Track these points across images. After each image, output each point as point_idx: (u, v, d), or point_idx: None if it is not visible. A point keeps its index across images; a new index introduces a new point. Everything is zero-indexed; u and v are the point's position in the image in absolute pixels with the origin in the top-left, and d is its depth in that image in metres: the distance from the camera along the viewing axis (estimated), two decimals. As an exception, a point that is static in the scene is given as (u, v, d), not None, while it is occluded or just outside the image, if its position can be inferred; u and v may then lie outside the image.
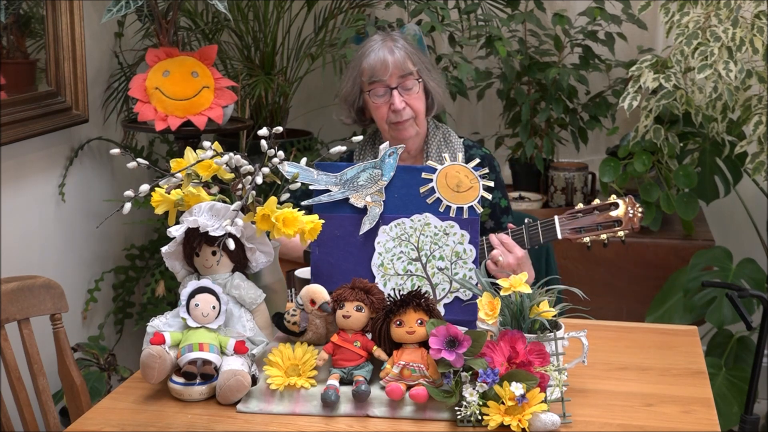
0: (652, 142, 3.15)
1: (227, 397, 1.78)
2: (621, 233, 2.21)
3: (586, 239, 2.21)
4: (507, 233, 2.26)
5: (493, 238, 2.25)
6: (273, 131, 1.92)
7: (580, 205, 2.26)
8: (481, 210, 2.03)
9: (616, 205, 2.22)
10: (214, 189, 1.95)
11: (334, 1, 3.62)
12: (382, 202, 2.03)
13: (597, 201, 2.26)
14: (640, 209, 2.21)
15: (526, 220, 2.28)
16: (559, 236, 2.23)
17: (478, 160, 2.09)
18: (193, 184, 1.92)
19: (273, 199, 1.84)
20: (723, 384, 2.97)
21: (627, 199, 2.23)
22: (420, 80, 2.41)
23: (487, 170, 2.05)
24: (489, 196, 2.04)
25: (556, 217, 2.24)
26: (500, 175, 2.54)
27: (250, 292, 1.91)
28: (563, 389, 1.72)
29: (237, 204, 1.84)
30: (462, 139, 2.52)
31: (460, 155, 2.08)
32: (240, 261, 1.92)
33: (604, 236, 2.21)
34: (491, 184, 2.05)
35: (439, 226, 2.01)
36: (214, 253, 1.88)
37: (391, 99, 2.38)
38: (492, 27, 3.35)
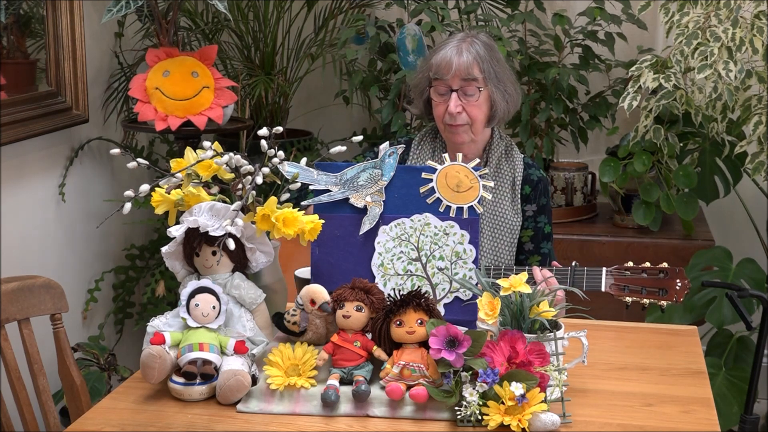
0: (652, 142, 3.15)
1: (227, 397, 1.78)
2: (663, 303, 2.14)
3: (628, 299, 2.18)
4: (551, 270, 2.24)
5: (537, 273, 2.19)
6: (273, 131, 1.92)
7: (630, 263, 2.20)
8: (481, 210, 2.03)
9: (666, 273, 2.18)
10: (214, 189, 1.95)
11: (334, 1, 3.62)
12: (382, 202, 2.03)
13: (647, 264, 2.20)
14: (688, 284, 2.15)
15: (573, 263, 2.25)
16: (603, 288, 2.17)
17: (477, 160, 2.09)
18: (193, 184, 1.92)
19: (273, 199, 1.84)
20: (723, 384, 2.97)
21: (678, 270, 2.18)
22: (483, 89, 2.35)
23: (486, 170, 2.05)
24: (489, 197, 2.04)
25: (604, 269, 2.18)
26: (550, 200, 2.51)
27: (250, 292, 1.91)
28: (563, 389, 1.72)
29: (237, 204, 1.84)
30: (522, 156, 2.50)
31: (460, 155, 2.08)
32: (240, 261, 1.92)
33: (646, 301, 2.17)
34: (491, 184, 2.05)
35: (439, 226, 2.02)
36: (214, 253, 1.88)
37: (449, 100, 2.35)
38: (492, 27, 3.35)
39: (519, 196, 2.44)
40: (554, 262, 2.32)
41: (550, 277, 2.17)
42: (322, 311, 1.86)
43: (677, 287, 2.13)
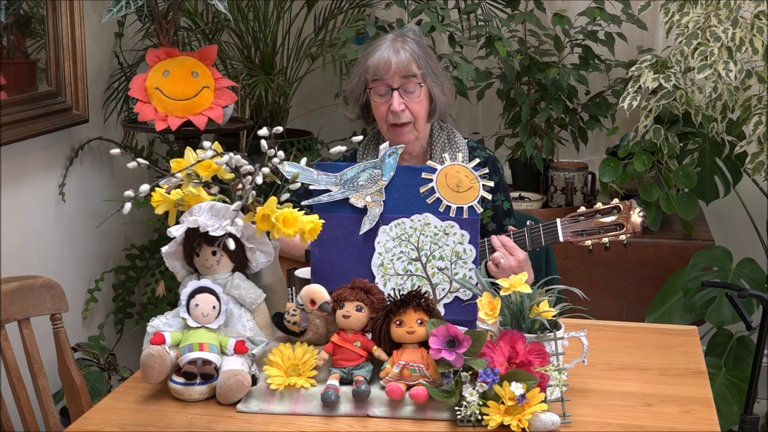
0: (652, 142, 3.15)
1: (227, 397, 1.78)
2: (623, 237, 2.19)
3: (588, 243, 2.21)
4: (509, 235, 2.26)
5: (495, 240, 2.24)
6: (273, 131, 1.92)
7: (583, 208, 2.24)
8: (481, 210, 2.03)
9: (618, 209, 2.21)
10: (214, 189, 1.95)
11: (334, 1, 3.62)
12: (382, 202, 2.03)
13: (599, 204, 2.25)
14: (641, 213, 2.20)
15: (528, 223, 2.27)
16: (561, 239, 2.22)
17: (478, 160, 2.09)
18: (193, 184, 1.92)
19: (273, 199, 1.84)
20: (723, 384, 2.97)
21: (629, 203, 2.22)
22: (423, 84, 2.38)
23: (487, 170, 2.05)
24: (489, 197, 2.04)
25: (558, 220, 2.23)
26: (503, 177, 2.53)
27: (250, 292, 1.91)
28: (563, 389, 1.72)
29: (237, 204, 1.84)
30: (465, 140, 2.51)
31: (460, 155, 2.09)
32: (240, 261, 1.92)
33: (606, 240, 2.20)
34: (491, 184, 2.05)
35: (439, 226, 2.02)
36: (214, 253, 1.88)
37: (390, 99, 2.37)
38: (492, 27, 3.35)
39: None
40: (510, 227, 2.33)
41: (513, 244, 2.20)
42: (322, 311, 1.86)
43: (632, 219, 2.17)
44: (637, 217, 2.19)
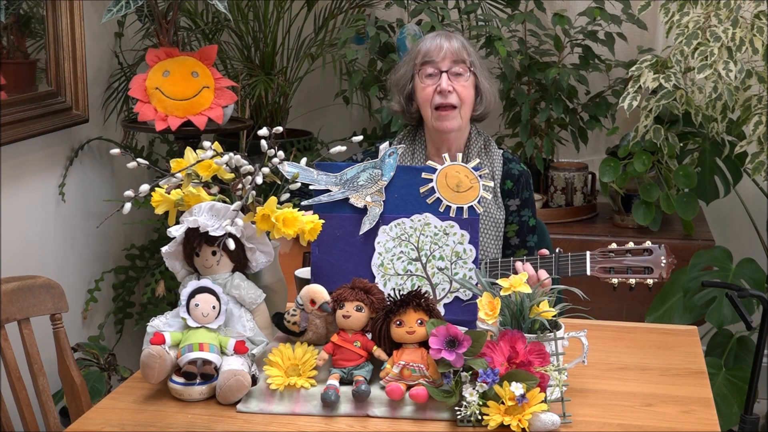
0: (652, 142, 3.15)
1: (227, 397, 1.78)
2: (650, 281, 2.15)
3: (615, 281, 2.17)
4: (535, 261, 2.24)
5: (520, 267, 2.21)
6: (273, 131, 1.92)
7: (614, 245, 2.20)
8: (481, 210, 2.03)
9: (650, 252, 2.16)
10: (214, 189, 1.95)
11: (334, 1, 3.62)
12: (382, 202, 2.03)
13: (631, 244, 2.19)
14: (673, 260, 2.16)
15: (557, 250, 2.25)
16: (588, 273, 2.18)
17: (477, 160, 2.09)
18: (193, 184, 1.92)
19: (273, 199, 1.84)
20: (723, 384, 2.97)
21: (662, 248, 2.17)
22: (472, 72, 2.41)
23: (486, 170, 2.05)
24: (489, 196, 2.04)
25: (588, 253, 2.19)
26: (533, 193, 2.52)
27: (250, 292, 1.91)
28: (563, 389, 1.72)
29: (237, 204, 1.84)
30: (501, 151, 2.51)
31: (459, 155, 2.08)
32: (240, 261, 1.92)
33: (632, 281, 2.17)
34: (491, 184, 2.05)
35: (439, 226, 2.02)
36: (214, 253, 1.88)
37: (439, 80, 2.38)
38: (492, 27, 3.35)
39: (500, 190, 2.45)
40: (541, 251, 2.31)
41: (535, 275, 2.17)
42: (322, 311, 1.86)
43: (662, 264, 2.13)
44: (668, 263, 2.14)
